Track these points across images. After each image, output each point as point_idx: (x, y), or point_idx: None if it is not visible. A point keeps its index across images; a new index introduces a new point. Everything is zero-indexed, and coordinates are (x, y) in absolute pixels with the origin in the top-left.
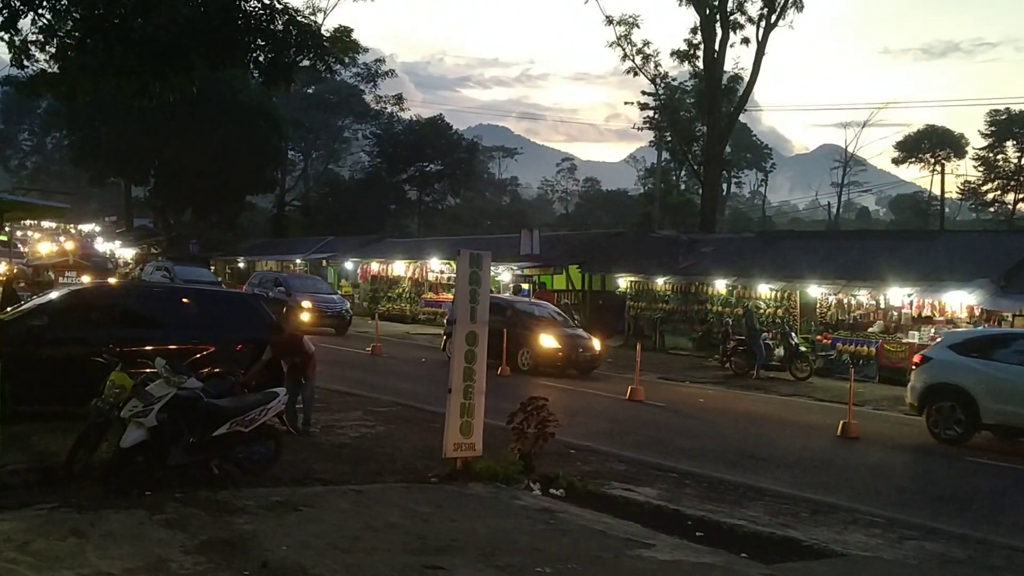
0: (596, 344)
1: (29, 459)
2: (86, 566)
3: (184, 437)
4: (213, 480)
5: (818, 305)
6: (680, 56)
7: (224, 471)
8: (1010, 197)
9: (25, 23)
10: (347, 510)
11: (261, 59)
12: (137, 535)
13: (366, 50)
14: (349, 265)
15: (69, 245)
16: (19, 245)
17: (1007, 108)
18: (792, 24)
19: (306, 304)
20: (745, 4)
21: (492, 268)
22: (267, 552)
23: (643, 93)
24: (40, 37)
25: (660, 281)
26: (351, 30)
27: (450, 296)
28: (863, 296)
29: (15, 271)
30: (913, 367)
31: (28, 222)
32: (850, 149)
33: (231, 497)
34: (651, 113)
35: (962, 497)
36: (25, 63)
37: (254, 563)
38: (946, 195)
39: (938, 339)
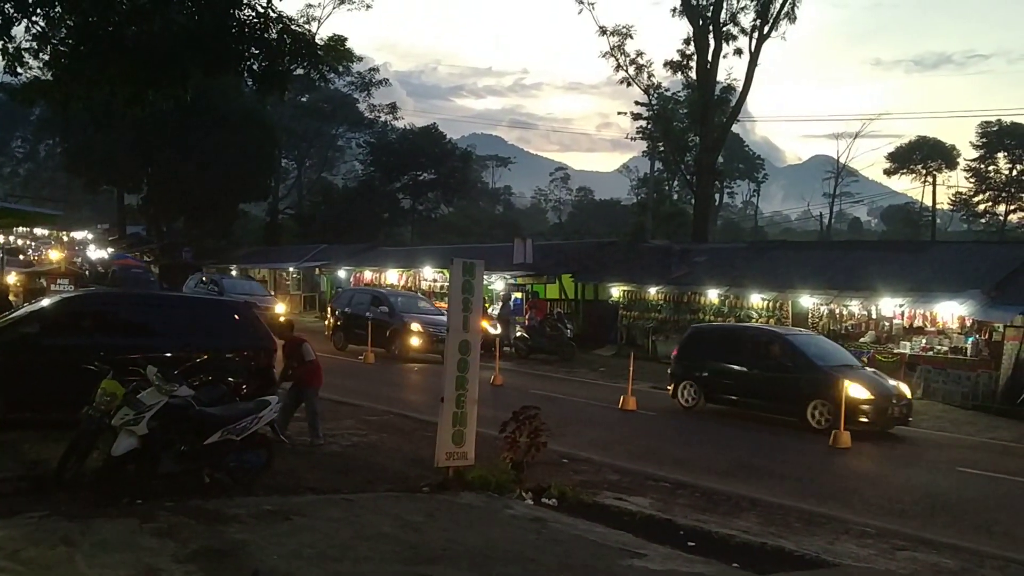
0: (906, 389)
1: (20, 467)
2: (76, 575)
3: (175, 445)
4: (204, 489)
5: (810, 315)
6: (673, 67)
7: (215, 480)
8: (1001, 208)
9: (19, 30)
10: (338, 519)
11: (255, 67)
12: (128, 544)
13: (360, 59)
14: (342, 273)
15: (54, 254)
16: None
17: (998, 120)
18: (785, 35)
19: (415, 327)
20: (738, 15)
21: (485, 277)
22: (258, 561)
23: (636, 103)
24: (34, 44)
25: (653, 290)
26: (345, 39)
27: (443, 305)
28: (855, 306)
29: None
30: None
31: (21, 229)
32: (842, 160)
33: (222, 506)
34: (644, 123)
35: (954, 507)
36: (19, 70)
37: (245, 572)
38: (937, 206)
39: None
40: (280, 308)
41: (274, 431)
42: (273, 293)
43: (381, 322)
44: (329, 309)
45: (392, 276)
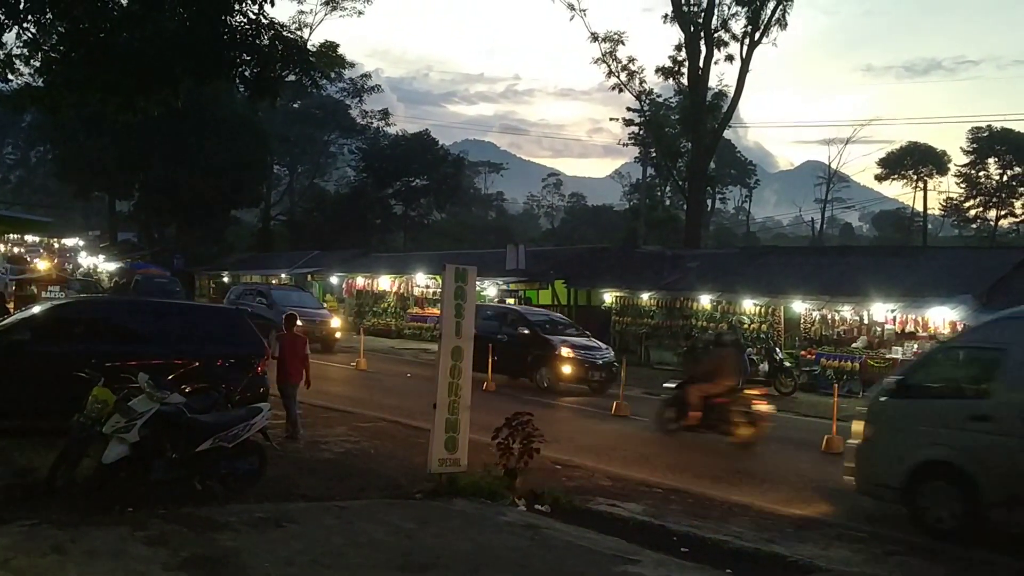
0: None
1: (10, 475)
2: None
3: (167, 453)
4: (196, 496)
5: (802, 320)
6: (665, 73)
7: (207, 487)
8: (992, 214)
9: (10, 37)
10: (331, 526)
11: (247, 74)
12: (119, 552)
13: (352, 65)
14: (334, 280)
15: (41, 264)
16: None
17: (989, 125)
18: (776, 42)
19: (567, 352)
20: (729, 22)
21: (478, 283)
22: (250, 569)
23: (628, 109)
24: (25, 51)
25: (645, 296)
26: (337, 45)
27: (436, 311)
28: (847, 312)
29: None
30: None
31: (12, 236)
32: (834, 165)
33: (214, 513)
34: (636, 129)
35: None
36: (9, 76)
37: None
38: (928, 211)
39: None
40: (336, 323)
41: (266, 438)
42: (327, 305)
43: (520, 346)
44: None
45: (384, 282)
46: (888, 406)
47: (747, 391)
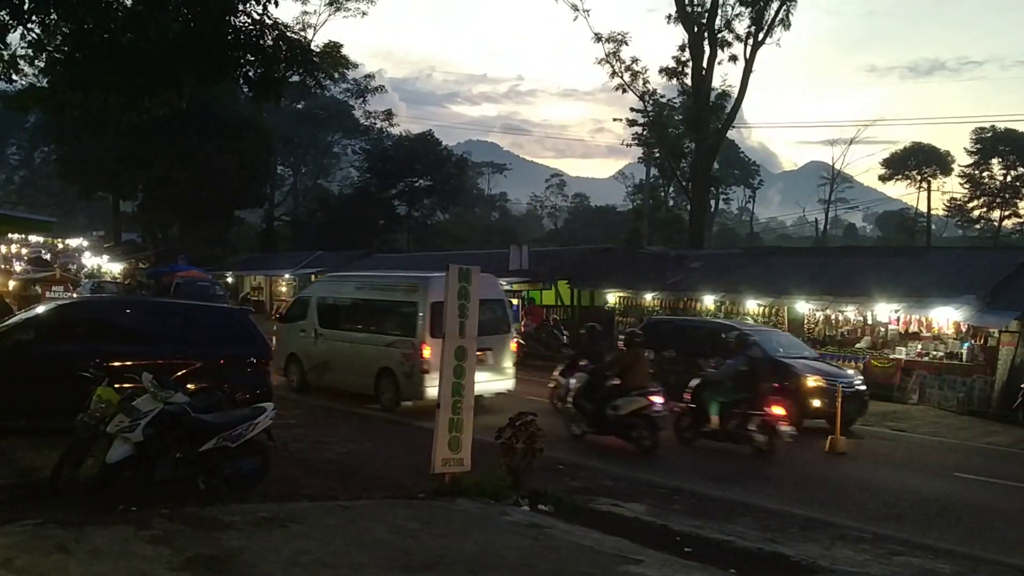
0: None
1: (13, 474)
2: None
3: (171, 452)
4: (200, 496)
5: (806, 321)
6: (668, 73)
7: (211, 487)
8: (996, 214)
9: (14, 37)
10: (334, 526)
11: (251, 74)
12: (122, 551)
13: (355, 66)
14: None
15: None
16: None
17: (992, 126)
18: (779, 42)
19: (813, 382)
20: (733, 22)
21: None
22: (253, 569)
23: (632, 110)
24: (29, 51)
25: (648, 297)
26: (341, 46)
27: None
28: (850, 312)
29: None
30: None
31: (16, 236)
32: (837, 166)
33: (218, 513)
34: (640, 130)
35: (950, 512)
36: (14, 77)
37: None
38: (932, 212)
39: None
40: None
41: (270, 438)
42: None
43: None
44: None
45: None
46: (280, 327)
47: None
